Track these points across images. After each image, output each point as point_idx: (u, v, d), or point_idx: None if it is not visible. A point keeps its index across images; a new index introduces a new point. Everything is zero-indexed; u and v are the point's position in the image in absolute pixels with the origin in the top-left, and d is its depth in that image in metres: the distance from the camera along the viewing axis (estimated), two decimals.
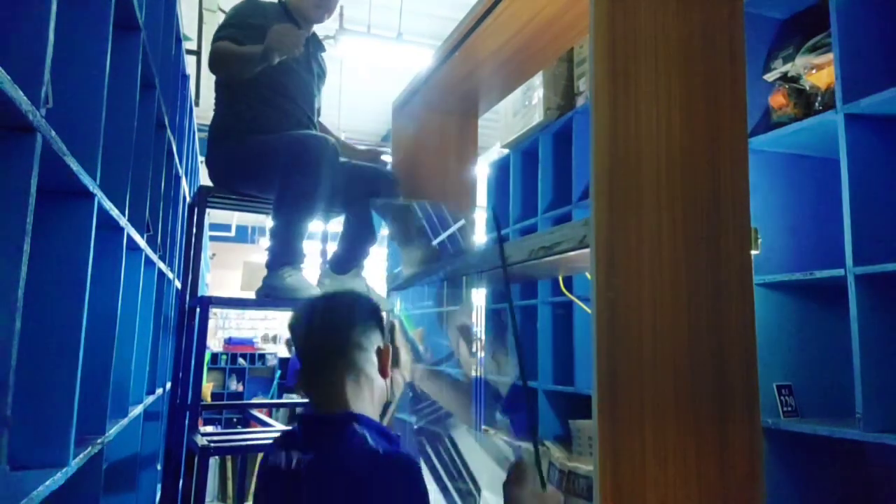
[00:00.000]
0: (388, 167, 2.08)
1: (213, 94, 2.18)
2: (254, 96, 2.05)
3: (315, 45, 2.25)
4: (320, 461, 1.05)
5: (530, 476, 0.98)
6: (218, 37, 2.01)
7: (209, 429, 6.32)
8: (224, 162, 2.07)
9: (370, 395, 1.16)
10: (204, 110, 5.24)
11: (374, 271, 2.43)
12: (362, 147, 2.52)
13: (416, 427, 1.44)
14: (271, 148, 1.95)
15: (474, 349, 1.50)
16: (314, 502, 1.03)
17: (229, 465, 5.46)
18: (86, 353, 1.24)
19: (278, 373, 8.99)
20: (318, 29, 2.28)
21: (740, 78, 1.00)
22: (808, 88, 1.88)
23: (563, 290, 2.12)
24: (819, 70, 1.84)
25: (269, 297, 2.01)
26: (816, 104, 1.84)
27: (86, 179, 1.15)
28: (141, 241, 1.88)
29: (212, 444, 1.90)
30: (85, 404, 1.32)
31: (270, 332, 9.98)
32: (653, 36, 0.94)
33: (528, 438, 1.00)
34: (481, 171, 3.48)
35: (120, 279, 1.54)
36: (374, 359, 1.17)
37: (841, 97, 1.65)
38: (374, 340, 1.18)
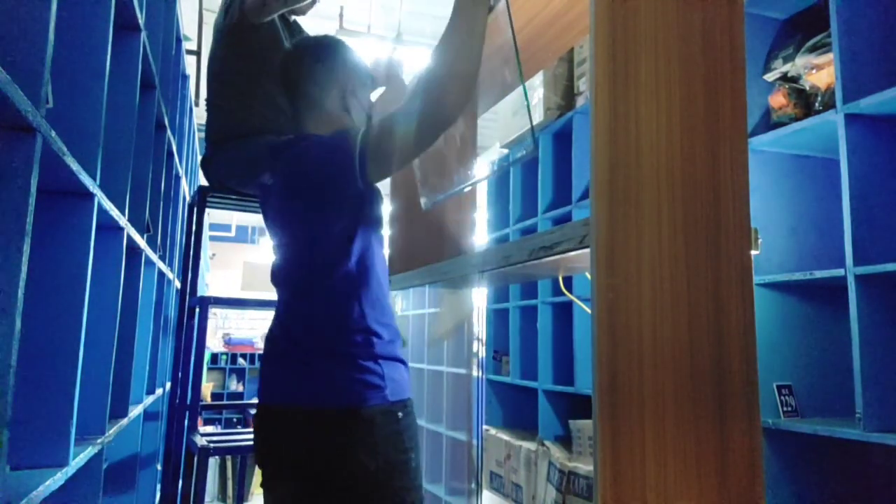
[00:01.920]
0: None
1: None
2: (256, 99, 2.03)
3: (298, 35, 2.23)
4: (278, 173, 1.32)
5: None
6: None
7: (209, 429, 6.33)
8: (226, 167, 2.05)
9: (327, 123, 1.33)
10: (204, 110, 5.24)
11: None
12: None
13: None
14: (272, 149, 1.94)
15: (475, 349, 1.61)
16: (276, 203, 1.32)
17: (229, 465, 5.47)
18: (86, 353, 1.24)
19: None
20: (319, 30, 2.27)
21: (740, 78, 1.00)
22: (808, 88, 1.88)
23: (563, 290, 2.12)
24: (819, 70, 1.84)
25: None
26: (816, 104, 1.84)
27: (86, 179, 1.15)
28: (141, 241, 1.88)
29: (211, 445, 1.91)
30: (85, 404, 1.32)
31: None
32: (653, 36, 0.94)
33: None
34: (481, 171, 3.48)
35: (120, 279, 1.54)
36: (334, 92, 1.34)
37: (841, 97, 1.65)
38: (331, 76, 1.34)
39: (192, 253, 2.23)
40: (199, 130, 4.60)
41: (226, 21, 2.01)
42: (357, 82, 1.38)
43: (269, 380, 1.29)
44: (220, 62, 2.06)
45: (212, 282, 9.31)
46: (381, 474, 1.17)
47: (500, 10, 1.42)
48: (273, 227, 1.37)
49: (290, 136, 1.37)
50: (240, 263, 9.41)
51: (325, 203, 1.23)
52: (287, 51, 1.43)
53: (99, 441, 1.38)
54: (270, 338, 1.33)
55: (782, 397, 1.80)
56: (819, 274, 1.70)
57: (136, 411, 1.99)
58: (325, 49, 1.37)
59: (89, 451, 1.28)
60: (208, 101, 2.10)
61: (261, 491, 1.33)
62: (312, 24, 2.43)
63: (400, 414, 1.21)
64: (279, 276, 1.35)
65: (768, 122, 1.97)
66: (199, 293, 2.23)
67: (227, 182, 2.07)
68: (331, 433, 1.17)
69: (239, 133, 2.01)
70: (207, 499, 1.95)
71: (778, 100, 1.94)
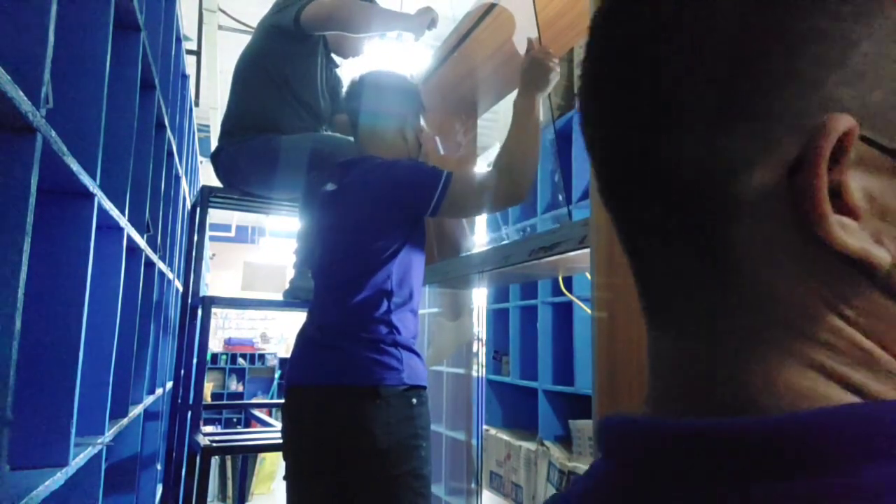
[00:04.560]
0: None
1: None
2: (282, 98, 2.02)
3: (332, 60, 2.24)
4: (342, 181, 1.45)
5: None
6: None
7: (209, 429, 6.32)
8: (238, 158, 2.04)
9: (387, 147, 1.50)
10: (204, 110, 5.23)
11: None
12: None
13: None
14: (297, 146, 1.94)
15: (475, 349, 1.73)
16: (335, 209, 1.43)
17: (229, 465, 5.46)
18: (86, 353, 1.24)
19: (278, 373, 8.98)
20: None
21: None
22: None
23: (563, 290, 2.12)
24: None
25: (297, 298, 2.03)
26: None
27: (86, 179, 1.15)
28: (141, 241, 1.88)
29: (214, 444, 1.91)
30: (85, 404, 1.32)
31: (269, 332, 9.97)
32: None
33: None
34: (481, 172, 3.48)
35: (120, 279, 1.54)
36: (394, 122, 1.50)
37: None
38: (393, 109, 1.51)
39: (194, 253, 2.23)
40: (199, 130, 4.60)
41: (275, 19, 2.02)
42: (413, 113, 1.53)
43: (298, 363, 1.39)
44: (256, 54, 2.06)
45: (212, 282, 9.31)
46: (392, 455, 1.25)
47: (499, 9, 1.42)
48: (325, 229, 1.47)
49: (360, 155, 1.51)
50: (240, 263, 9.40)
51: (387, 218, 1.36)
52: (354, 81, 1.56)
53: (99, 441, 1.38)
54: (302, 329, 1.44)
55: None
56: None
57: (136, 411, 1.99)
58: (390, 85, 1.53)
59: (89, 451, 1.28)
60: (232, 90, 2.09)
61: (261, 491, 1.36)
62: None
63: (414, 400, 1.30)
64: (319, 270, 1.47)
65: None
66: (200, 293, 2.23)
67: (236, 173, 2.05)
68: (350, 409, 1.26)
69: (257, 126, 2.01)
70: (208, 499, 1.95)
71: None
